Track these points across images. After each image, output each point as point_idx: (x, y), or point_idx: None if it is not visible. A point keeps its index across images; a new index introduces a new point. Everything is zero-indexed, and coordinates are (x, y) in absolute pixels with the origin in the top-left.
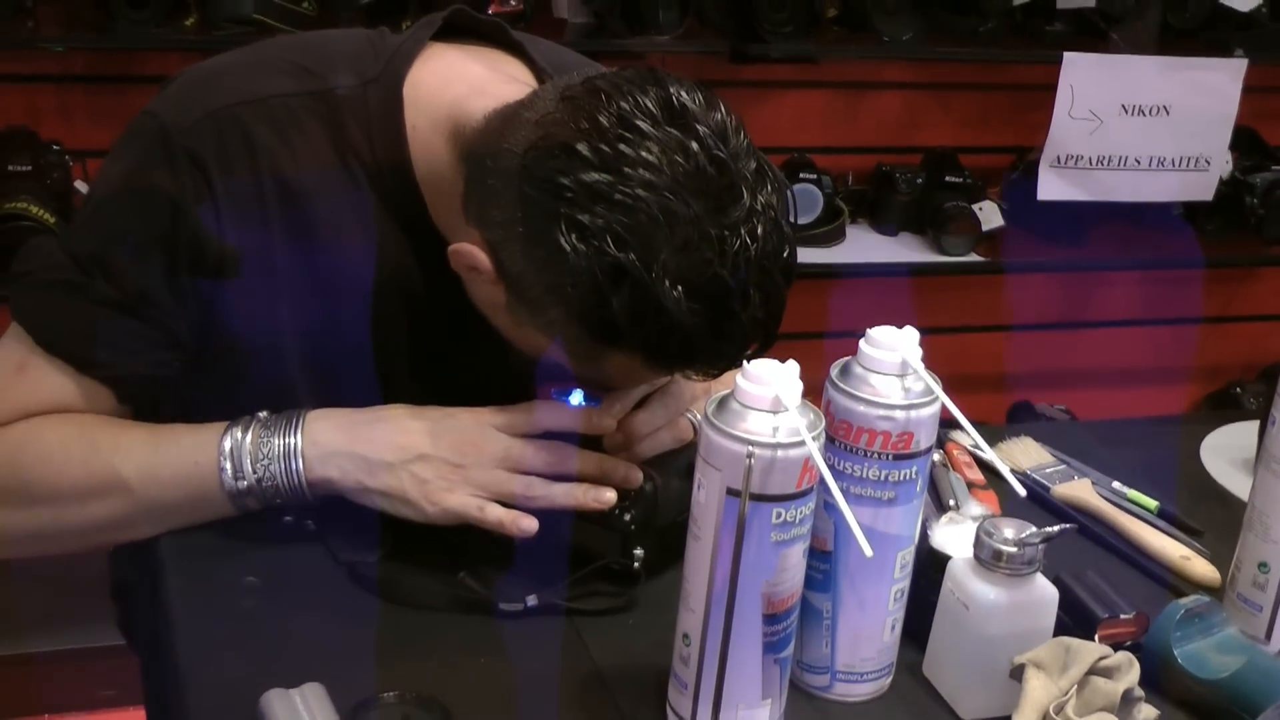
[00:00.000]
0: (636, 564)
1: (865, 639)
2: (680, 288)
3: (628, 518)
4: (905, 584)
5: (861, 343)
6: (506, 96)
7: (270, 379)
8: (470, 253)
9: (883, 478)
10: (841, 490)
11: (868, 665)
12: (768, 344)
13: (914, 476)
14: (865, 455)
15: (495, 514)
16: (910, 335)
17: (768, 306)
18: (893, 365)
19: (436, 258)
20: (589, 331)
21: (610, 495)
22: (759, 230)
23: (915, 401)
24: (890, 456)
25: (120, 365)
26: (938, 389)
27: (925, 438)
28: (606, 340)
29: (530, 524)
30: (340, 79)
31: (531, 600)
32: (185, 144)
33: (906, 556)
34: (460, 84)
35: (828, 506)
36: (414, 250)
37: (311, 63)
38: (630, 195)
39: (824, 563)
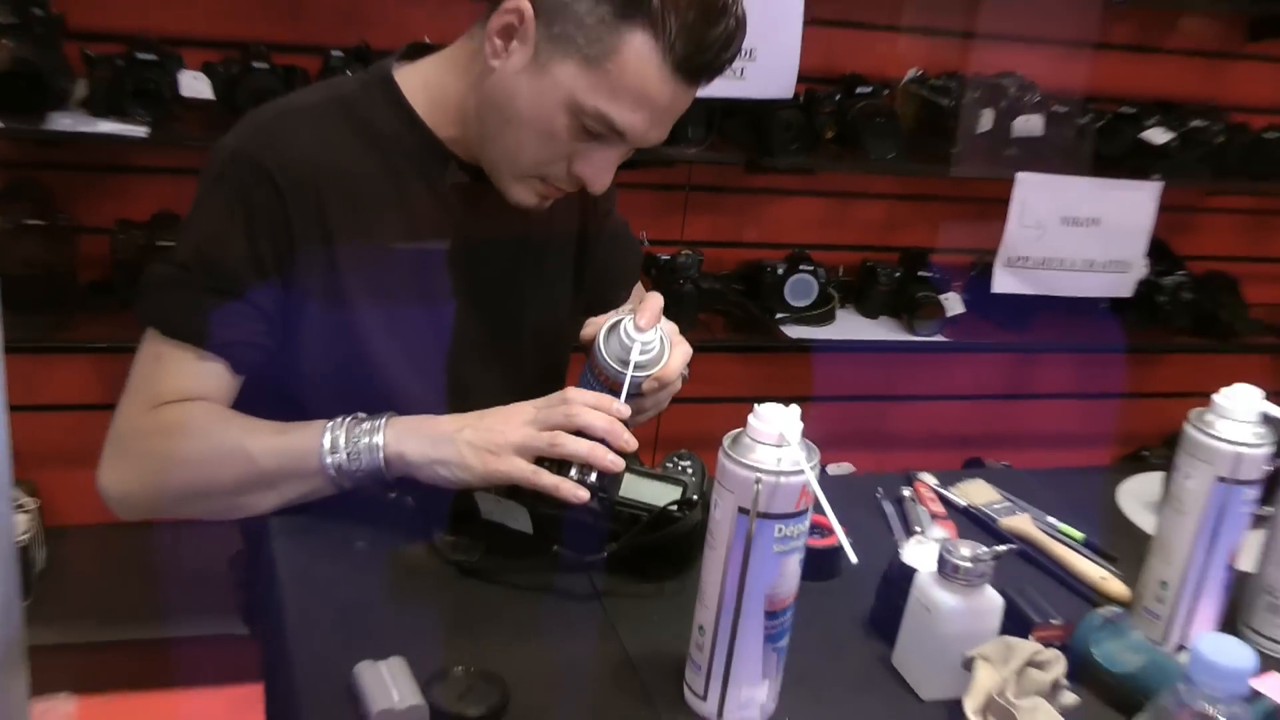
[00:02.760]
0: (691, 511)
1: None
2: None
3: (691, 472)
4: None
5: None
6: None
7: (343, 330)
8: (516, 6)
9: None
10: None
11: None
12: (729, 60)
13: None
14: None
15: (548, 479)
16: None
17: (735, 32)
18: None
19: (451, 190)
20: (620, 4)
21: (620, 462)
22: None
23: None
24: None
25: (226, 336)
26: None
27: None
28: (634, 11)
29: (581, 493)
30: (346, 87)
31: (613, 546)
32: (247, 151)
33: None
34: (432, 58)
35: None
36: (429, 185)
37: (324, 85)
38: None
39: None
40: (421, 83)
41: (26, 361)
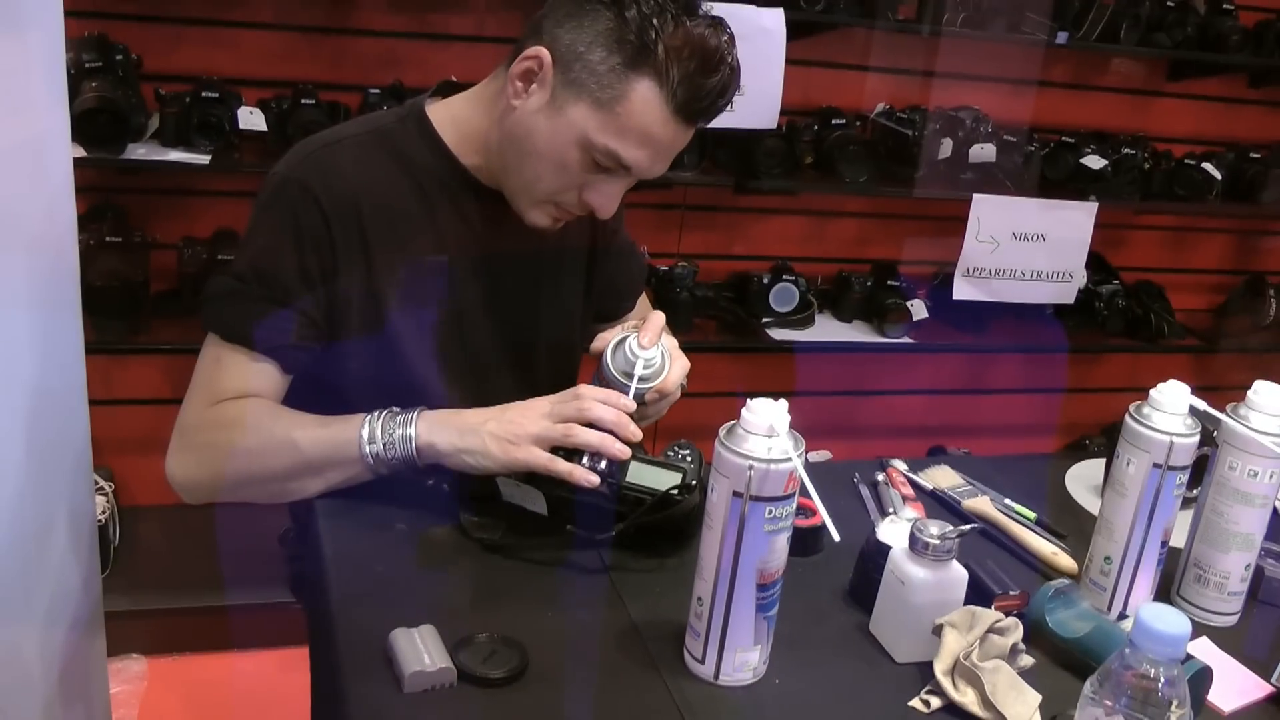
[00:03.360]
0: (689, 493)
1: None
2: (690, 34)
3: (690, 459)
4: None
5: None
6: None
7: (376, 329)
8: (536, 54)
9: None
10: None
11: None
12: (723, 106)
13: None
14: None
15: (563, 466)
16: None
17: (730, 80)
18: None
19: (476, 212)
20: (630, 56)
21: (627, 450)
22: (726, 37)
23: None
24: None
25: (277, 339)
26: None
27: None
28: (642, 63)
29: (592, 478)
30: (384, 120)
31: (616, 530)
32: (295, 176)
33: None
34: (462, 96)
35: None
36: (457, 208)
37: (364, 120)
38: None
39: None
40: (450, 117)
41: (105, 361)
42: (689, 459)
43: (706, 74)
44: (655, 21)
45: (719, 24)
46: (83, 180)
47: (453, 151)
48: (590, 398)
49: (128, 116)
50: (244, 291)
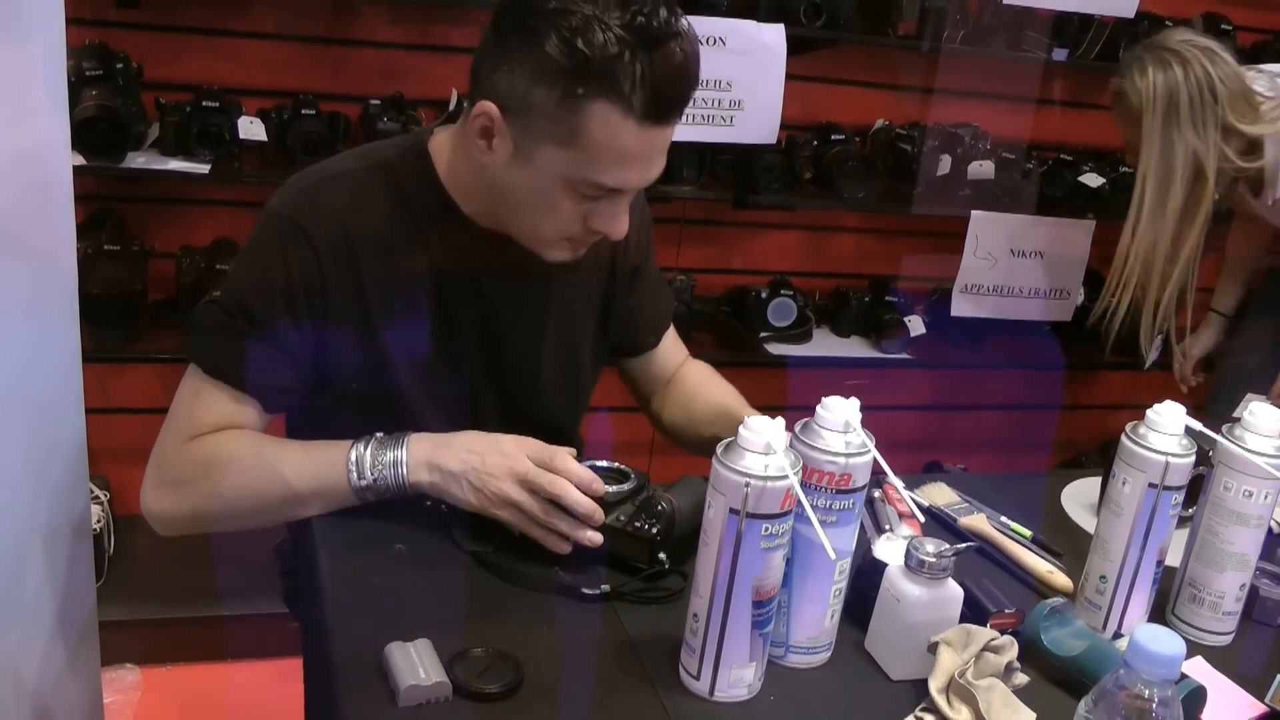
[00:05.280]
0: (666, 565)
1: (811, 624)
2: (625, 33)
3: (654, 530)
4: (843, 584)
5: (818, 407)
6: None
7: (371, 379)
8: (483, 110)
9: (828, 506)
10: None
11: (814, 643)
12: (692, 86)
13: (851, 507)
14: (815, 489)
15: (537, 532)
16: (853, 404)
17: (687, 58)
18: (838, 424)
19: (474, 253)
20: (566, 93)
21: (598, 538)
22: (664, 14)
23: (853, 452)
24: (834, 491)
25: (262, 380)
26: (870, 444)
27: (860, 479)
28: (580, 91)
29: (564, 546)
30: (384, 154)
31: (604, 587)
32: (288, 213)
33: (844, 565)
34: (453, 135)
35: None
36: (454, 250)
37: (365, 151)
38: (579, 11)
39: (785, 566)
40: (447, 158)
41: (102, 370)
42: (648, 526)
43: (659, 67)
44: (581, 39)
45: (654, 4)
46: (82, 188)
47: (450, 195)
48: (567, 477)
49: (128, 125)
50: (230, 327)
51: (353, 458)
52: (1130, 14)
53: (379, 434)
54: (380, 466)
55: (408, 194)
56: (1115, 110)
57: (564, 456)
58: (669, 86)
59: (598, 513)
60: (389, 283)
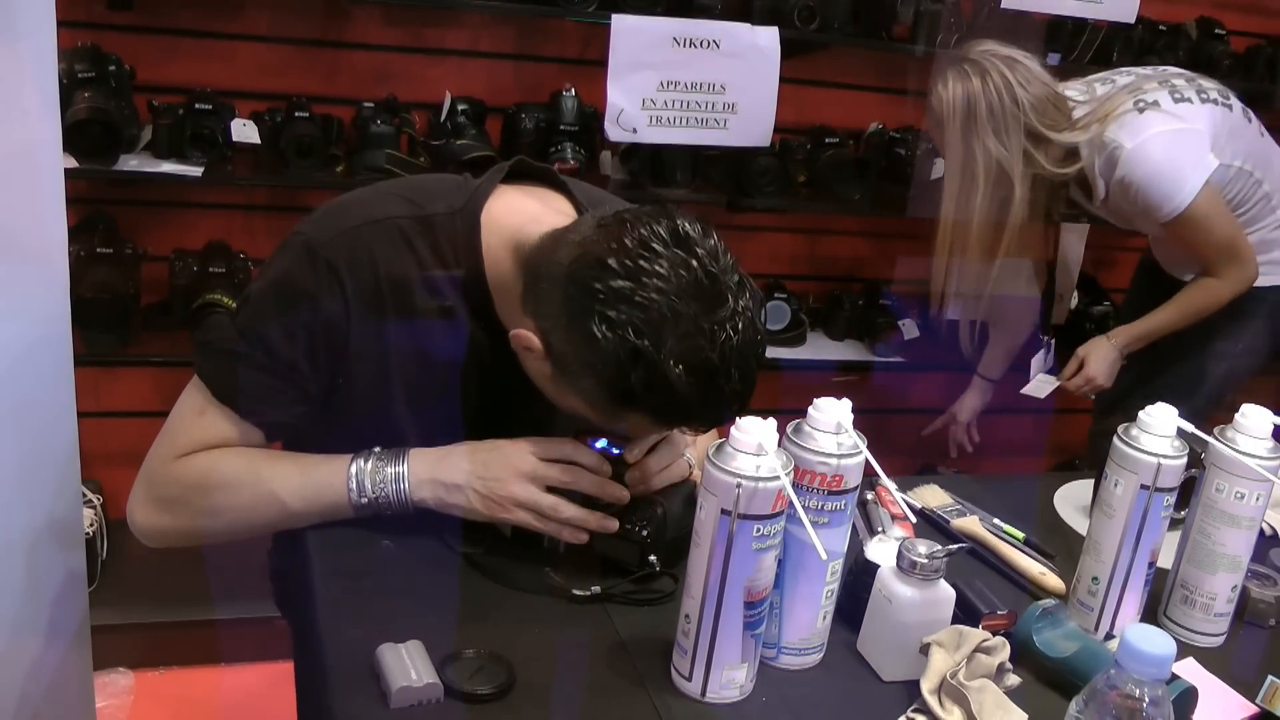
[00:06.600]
0: (657, 568)
1: (803, 625)
2: (680, 367)
3: (645, 533)
4: (835, 586)
5: (809, 408)
6: (555, 223)
7: (378, 425)
8: (526, 336)
9: (820, 507)
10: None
11: (806, 644)
12: (743, 409)
13: (843, 508)
14: (807, 490)
15: (551, 528)
16: (844, 405)
17: (744, 382)
18: (830, 425)
19: (501, 341)
20: (612, 398)
21: (613, 524)
22: (739, 326)
23: (845, 453)
24: (825, 492)
25: (269, 414)
26: (862, 445)
27: (852, 480)
28: (625, 405)
29: (581, 536)
30: (436, 207)
31: (595, 589)
32: (325, 254)
33: (836, 566)
34: (521, 214)
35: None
36: (486, 335)
37: (416, 196)
38: (646, 298)
39: (777, 567)
40: (496, 241)
41: (94, 373)
42: (644, 530)
43: (707, 404)
44: (634, 372)
45: (717, 298)
46: (74, 191)
47: (488, 284)
48: (580, 466)
49: (120, 128)
50: (245, 354)
51: (353, 473)
52: (1131, 19)
53: (377, 449)
54: (381, 483)
55: (448, 263)
56: (925, 120)
57: (572, 445)
58: (717, 410)
59: (621, 492)
60: (413, 343)
